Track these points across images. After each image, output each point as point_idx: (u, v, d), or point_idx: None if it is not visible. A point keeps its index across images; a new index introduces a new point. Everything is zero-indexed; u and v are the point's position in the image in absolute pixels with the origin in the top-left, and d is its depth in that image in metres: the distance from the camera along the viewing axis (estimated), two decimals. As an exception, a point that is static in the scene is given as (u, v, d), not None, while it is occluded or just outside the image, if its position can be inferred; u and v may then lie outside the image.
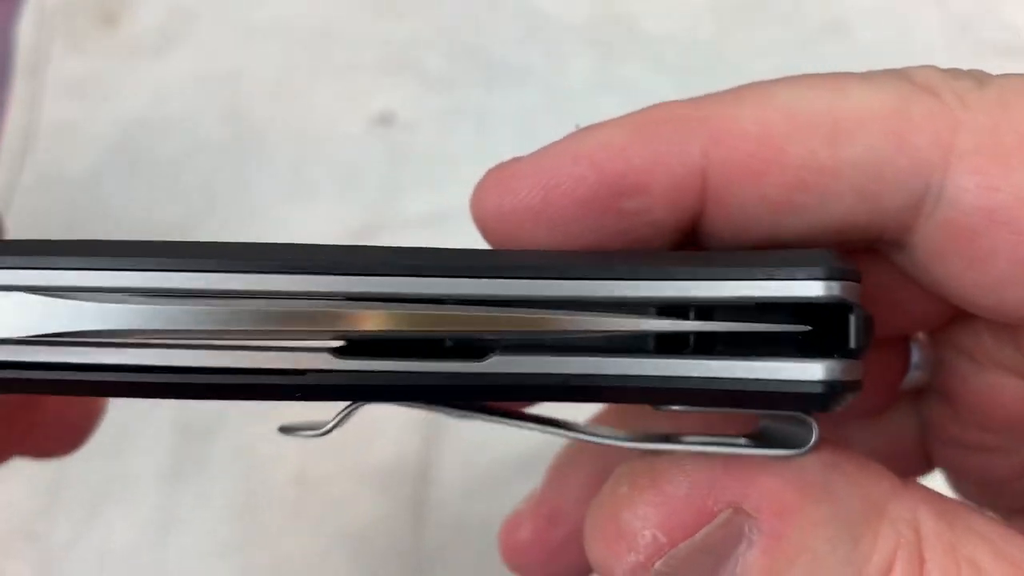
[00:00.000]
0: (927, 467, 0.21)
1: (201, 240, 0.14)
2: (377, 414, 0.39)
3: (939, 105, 0.14)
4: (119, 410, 0.38)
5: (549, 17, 0.44)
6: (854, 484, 0.14)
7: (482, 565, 0.37)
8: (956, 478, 0.21)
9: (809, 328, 0.13)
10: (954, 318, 0.18)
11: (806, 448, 0.14)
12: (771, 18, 0.44)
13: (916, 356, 0.19)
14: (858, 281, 0.14)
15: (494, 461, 0.38)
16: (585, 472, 0.20)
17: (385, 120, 0.42)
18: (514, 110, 0.42)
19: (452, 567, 0.37)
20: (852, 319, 0.13)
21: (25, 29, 0.44)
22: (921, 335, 0.19)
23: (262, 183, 0.41)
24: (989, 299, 0.15)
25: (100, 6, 0.44)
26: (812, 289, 0.13)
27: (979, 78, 0.14)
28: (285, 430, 0.17)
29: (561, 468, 0.21)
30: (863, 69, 0.15)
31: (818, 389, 0.13)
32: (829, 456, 0.14)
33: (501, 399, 0.15)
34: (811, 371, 0.13)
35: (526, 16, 0.44)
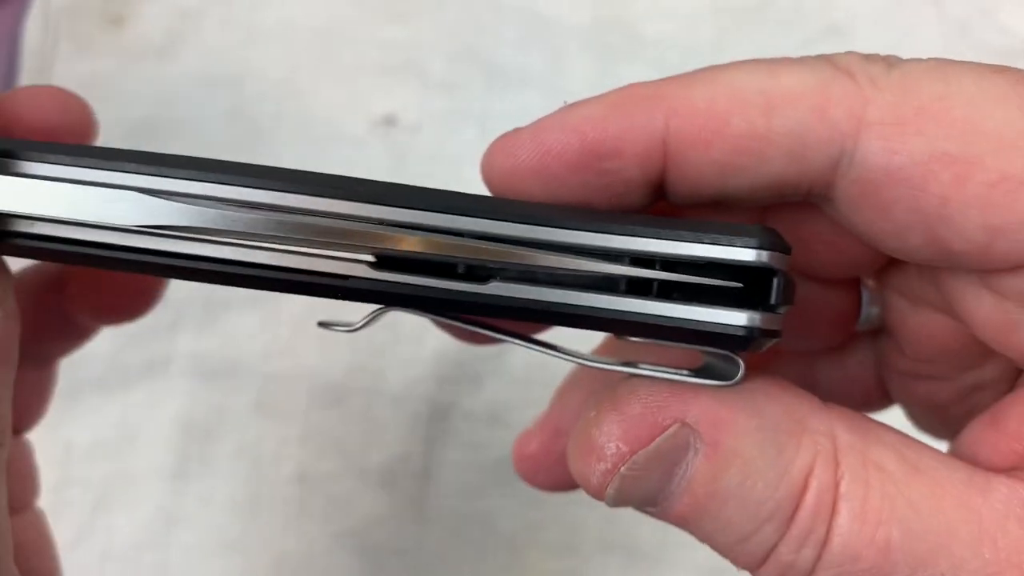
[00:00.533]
0: (888, 399, 0.24)
1: (279, 166, 0.17)
2: (379, 414, 0.39)
3: (854, 85, 0.17)
4: (121, 411, 0.39)
5: (550, 20, 0.44)
6: (778, 403, 0.17)
7: (482, 563, 0.37)
8: (909, 408, 0.24)
9: (740, 285, 0.16)
10: (889, 262, 0.20)
11: (734, 381, 0.17)
12: (771, 21, 0.44)
13: (867, 297, 0.22)
14: (787, 253, 0.17)
15: (494, 461, 0.38)
16: (583, 393, 0.23)
17: (388, 121, 0.43)
18: (516, 112, 0.42)
19: (453, 565, 0.37)
20: (775, 281, 0.16)
21: (31, 31, 0.44)
22: (871, 281, 0.22)
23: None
24: (896, 243, 0.18)
25: (106, 7, 0.45)
26: (745, 255, 0.16)
27: (891, 62, 0.17)
28: (323, 324, 0.20)
29: (564, 391, 0.24)
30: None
31: (740, 333, 0.16)
32: (756, 383, 0.17)
33: (497, 316, 0.17)
34: (736, 318, 0.16)
35: (528, 19, 0.44)
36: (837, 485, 0.16)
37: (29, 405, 0.26)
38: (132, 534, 0.37)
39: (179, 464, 0.38)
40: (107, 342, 0.37)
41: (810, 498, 0.16)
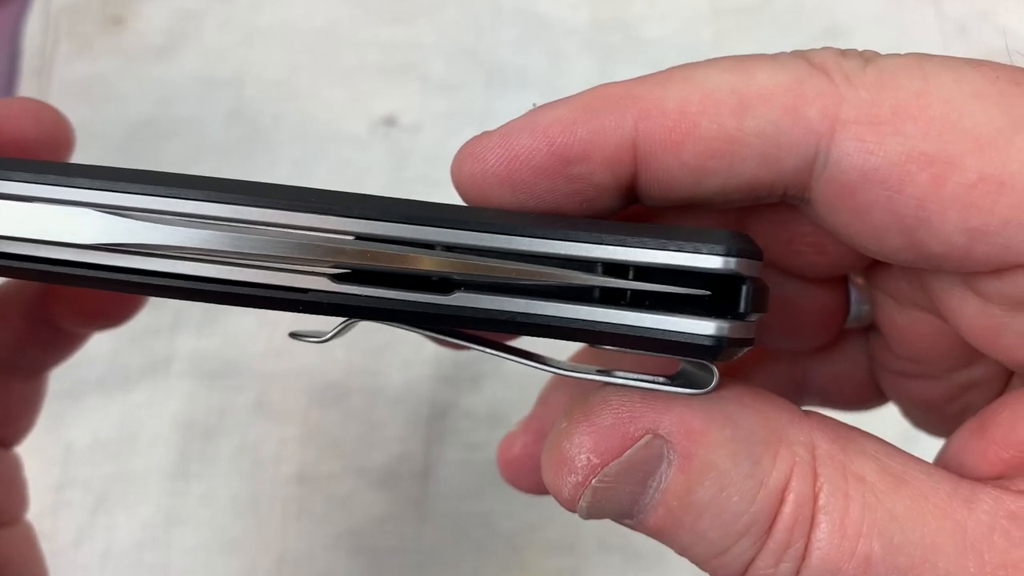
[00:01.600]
0: (882, 397, 0.24)
1: (243, 179, 0.16)
2: (380, 414, 0.39)
3: (828, 83, 0.16)
4: (122, 411, 0.39)
5: (550, 21, 0.44)
6: (754, 413, 0.16)
7: (482, 563, 0.37)
8: (902, 405, 0.23)
9: (708, 293, 0.16)
10: (875, 260, 0.20)
11: (708, 389, 0.16)
12: (770, 23, 0.44)
13: (855, 295, 0.22)
14: (758, 259, 0.16)
15: (494, 460, 0.38)
16: (566, 396, 0.23)
17: (388, 122, 0.43)
18: (515, 112, 0.42)
19: (452, 565, 0.37)
20: (743, 289, 0.16)
21: (31, 31, 0.44)
22: (859, 279, 0.22)
23: (267, 184, 0.42)
24: (874, 245, 0.17)
25: (105, 7, 0.45)
26: (712, 262, 0.16)
27: (868, 58, 0.17)
28: (294, 335, 0.20)
29: (547, 394, 0.24)
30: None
31: (708, 342, 0.16)
32: (731, 392, 0.17)
33: (462, 327, 0.17)
34: (705, 327, 0.16)
35: (527, 19, 0.44)
36: (816, 497, 0.16)
37: (18, 418, 0.26)
38: (132, 534, 0.37)
39: (179, 464, 0.38)
40: (107, 343, 0.37)
41: (788, 511, 0.16)
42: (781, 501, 0.16)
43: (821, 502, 0.16)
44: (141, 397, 0.38)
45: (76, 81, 0.43)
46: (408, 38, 0.44)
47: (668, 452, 0.16)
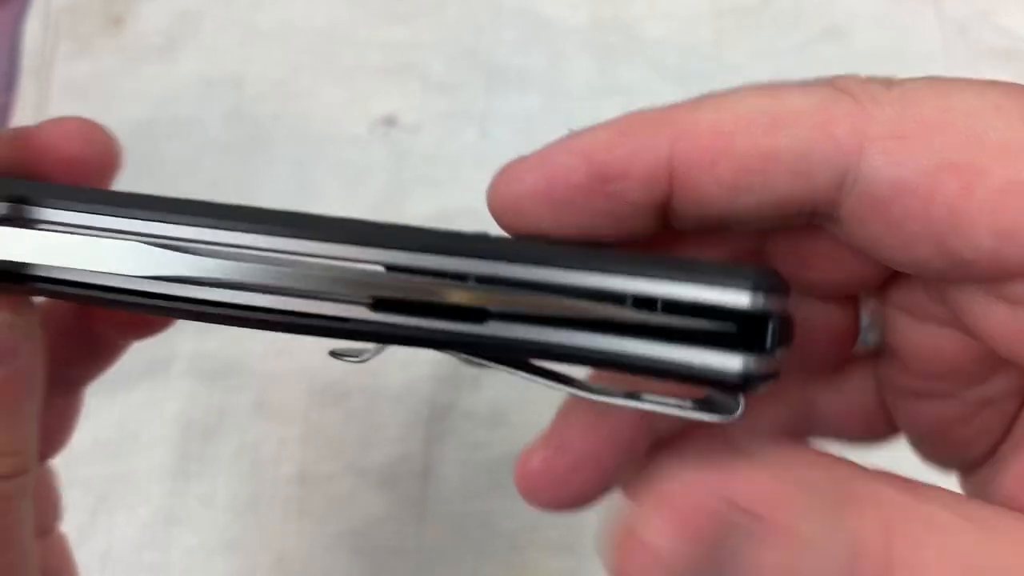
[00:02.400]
0: (891, 429, 0.24)
1: (285, 209, 0.17)
2: (380, 414, 0.39)
3: (855, 104, 0.17)
4: (122, 411, 0.39)
5: (550, 21, 0.44)
6: (821, 471, 0.17)
7: (482, 563, 0.37)
8: (911, 433, 0.23)
9: (735, 328, 0.16)
10: (891, 278, 0.20)
11: (735, 415, 0.17)
12: (770, 23, 0.44)
13: (865, 321, 0.22)
14: (785, 293, 0.17)
15: (494, 460, 0.38)
16: (588, 410, 0.23)
17: (388, 122, 0.43)
18: (515, 113, 0.42)
19: (453, 565, 0.37)
20: (770, 325, 0.16)
21: (31, 31, 0.44)
22: (872, 302, 0.22)
23: (267, 184, 0.42)
24: (906, 256, 0.18)
25: (106, 7, 0.45)
26: (740, 299, 0.16)
27: (888, 81, 0.17)
28: (334, 354, 0.20)
29: (568, 407, 0.24)
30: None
31: (735, 378, 0.16)
32: (793, 452, 0.17)
33: (495, 354, 0.18)
34: (732, 362, 0.16)
35: (527, 20, 0.44)
36: (891, 548, 0.15)
37: (55, 432, 0.26)
38: (133, 534, 0.37)
39: (179, 464, 0.38)
40: (107, 342, 0.37)
41: (867, 567, 0.15)
42: (859, 556, 0.16)
43: (897, 554, 0.16)
44: (141, 397, 0.38)
45: (76, 81, 0.43)
46: (408, 38, 0.44)
47: (746, 522, 0.16)
